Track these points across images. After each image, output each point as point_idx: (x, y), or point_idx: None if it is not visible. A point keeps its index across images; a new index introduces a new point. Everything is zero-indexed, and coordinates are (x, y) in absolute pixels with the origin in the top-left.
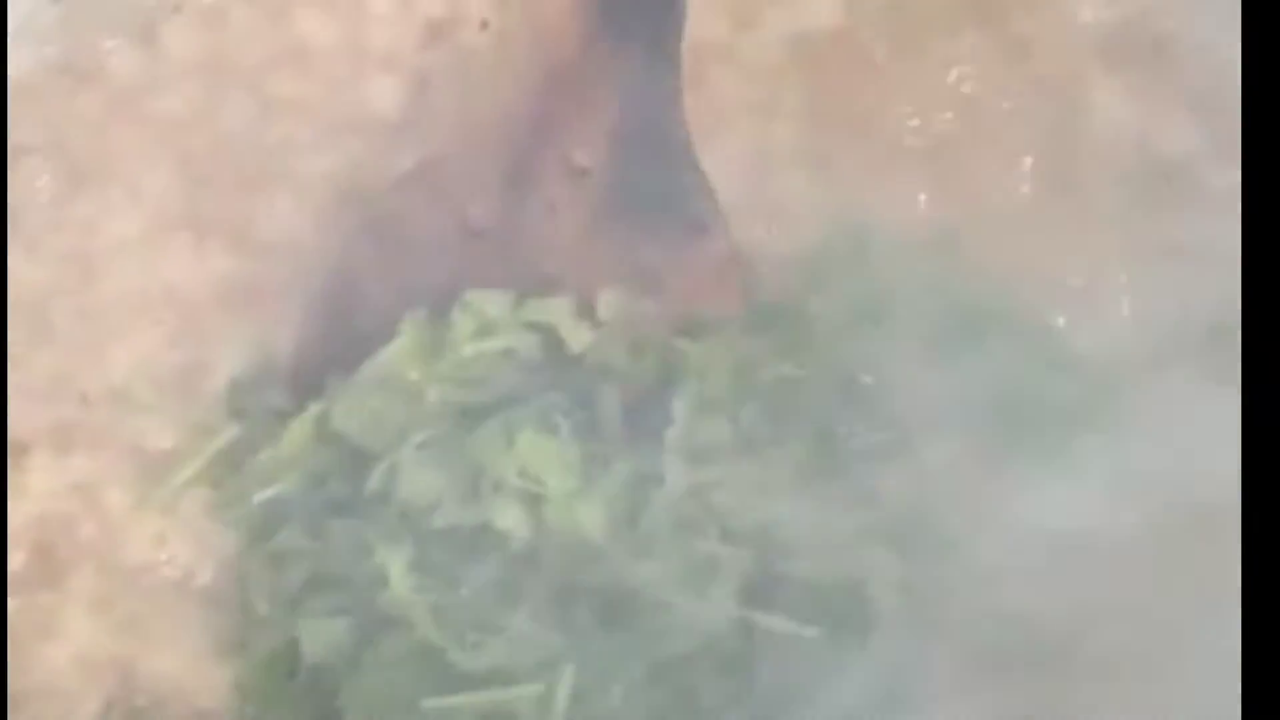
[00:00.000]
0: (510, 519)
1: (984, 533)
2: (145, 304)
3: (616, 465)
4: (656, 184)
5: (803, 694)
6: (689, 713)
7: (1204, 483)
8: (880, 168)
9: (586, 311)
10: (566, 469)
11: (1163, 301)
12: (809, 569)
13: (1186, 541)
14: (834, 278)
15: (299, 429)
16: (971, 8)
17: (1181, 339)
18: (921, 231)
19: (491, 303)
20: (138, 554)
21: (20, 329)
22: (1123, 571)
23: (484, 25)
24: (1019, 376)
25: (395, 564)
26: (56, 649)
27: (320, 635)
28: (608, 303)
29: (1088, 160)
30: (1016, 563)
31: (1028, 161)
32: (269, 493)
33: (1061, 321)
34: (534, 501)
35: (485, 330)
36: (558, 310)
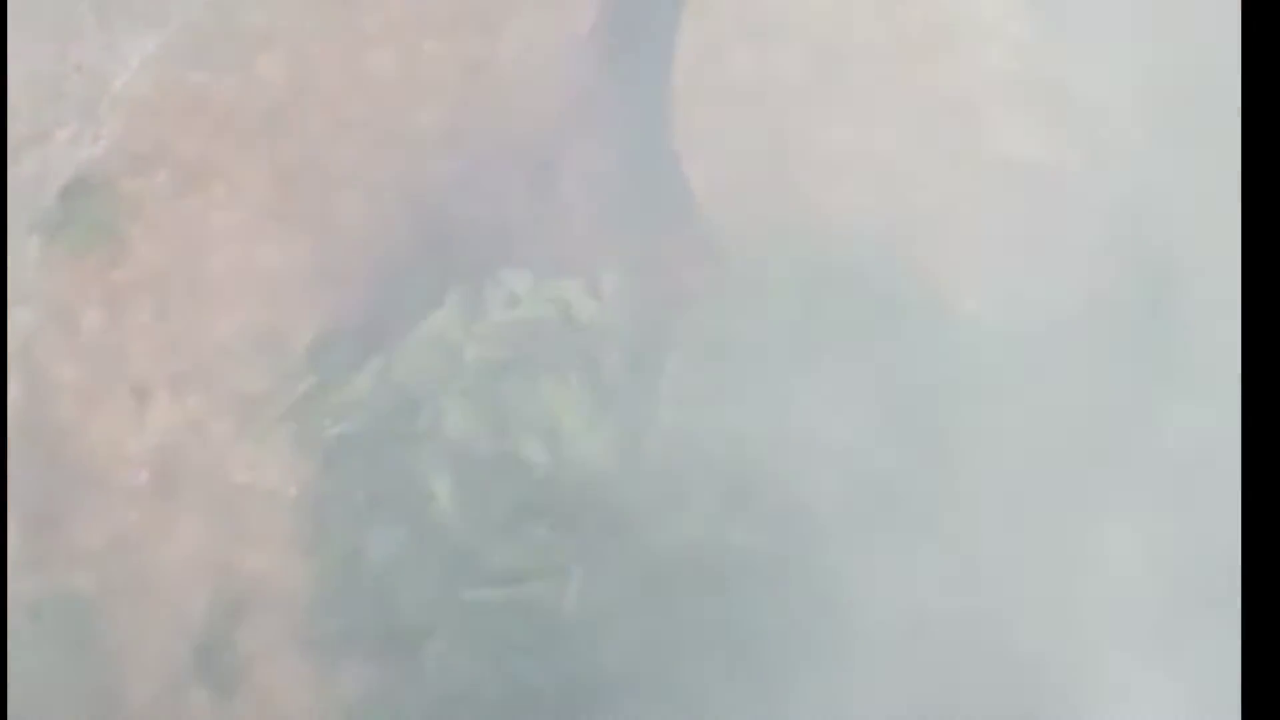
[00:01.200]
0: (533, 450)
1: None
2: (243, 279)
3: (617, 409)
4: (651, 185)
5: (763, 592)
6: (675, 604)
7: None
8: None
9: (593, 289)
10: (578, 411)
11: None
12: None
13: None
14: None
15: (364, 378)
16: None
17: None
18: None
19: (518, 280)
20: (237, 475)
21: (144, 299)
22: None
23: (514, 64)
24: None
25: (441, 485)
26: (172, 550)
27: (381, 541)
28: (609, 282)
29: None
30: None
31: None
32: (340, 428)
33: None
34: (552, 436)
35: (513, 302)
36: (570, 288)
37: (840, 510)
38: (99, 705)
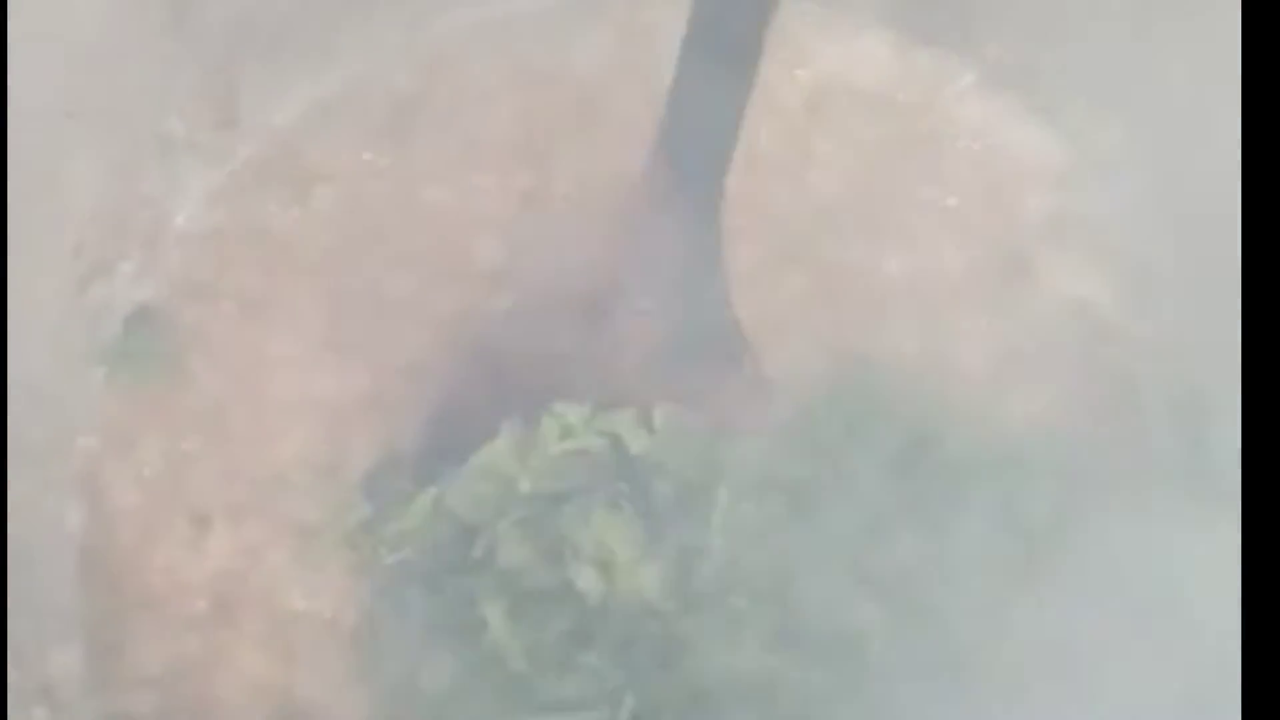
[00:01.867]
0: (586, 580)
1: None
2: (301, 409)
3: (669, 539)
4: (701, 323)
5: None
6: None
7: None
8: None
9: (645, 421)
10: (631, 541)
11: None
12: (818, 623)
13: None
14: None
15: (419, 506)
16: None
17: None
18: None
19: (572, 413)
20: (295, 602)
21: (205, 426)
22: None
23: (567, 200)
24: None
25: (494, 613)
26: (230, 676)
27: (435, 669)
28: (661, 415)
29: None
30: None
31: None
32: (396, 557)
33: None
34: (605, 566)
35: (567, 433)
36: (622, 421)
37: (888, 641)
38: None
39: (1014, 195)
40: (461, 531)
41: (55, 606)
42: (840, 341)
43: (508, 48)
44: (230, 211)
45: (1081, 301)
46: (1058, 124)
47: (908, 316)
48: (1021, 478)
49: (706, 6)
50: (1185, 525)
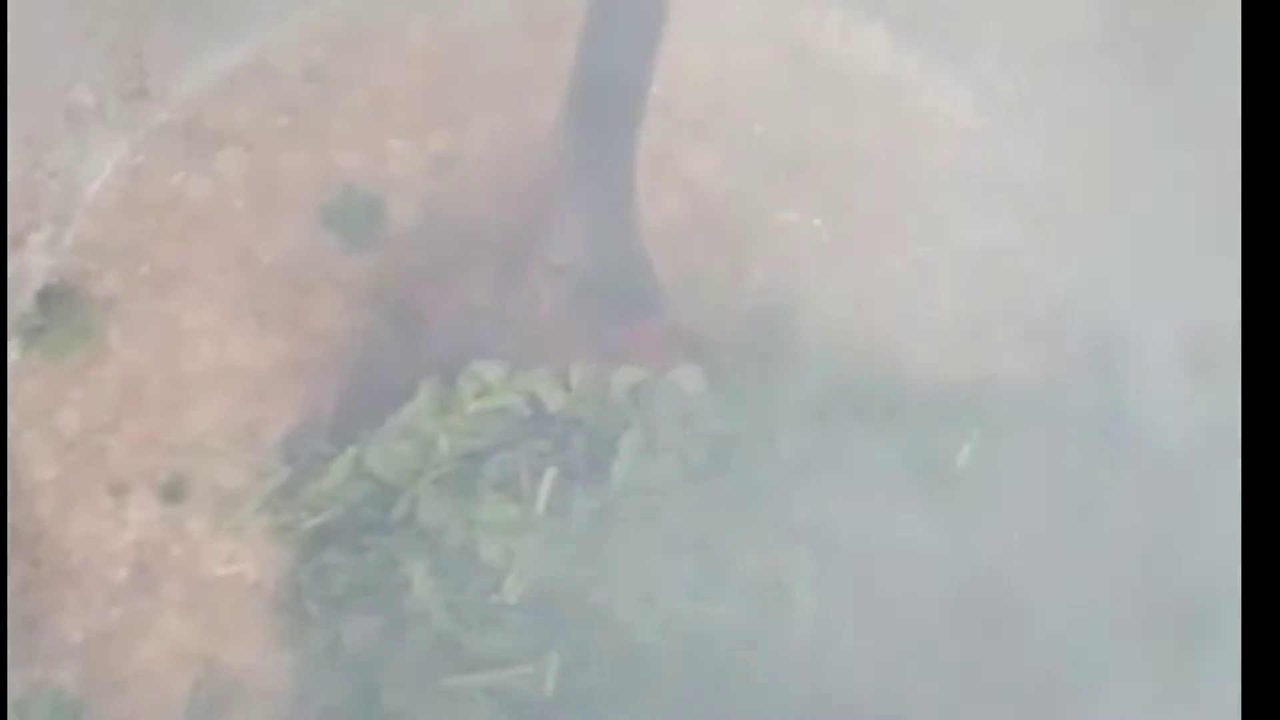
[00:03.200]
0: (489, 553)
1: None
2: (219, 376)
3: (578, 500)
4: (616, 277)
5: (738, 662)
6: (649, 686)
7: None
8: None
9: (562, 379)
10: (526, 526)
11: None
12: (742, 570)
13: None
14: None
15: (338, 468)
16: None
17: None
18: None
19: (490, 372)
20: (216, 568)
21: (122, 396)
22: None
23: (479, 161)
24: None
25: (417, 572)
26: (153, 644)
27: (359, 630)
28: (577, 372)
29: None
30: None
31: None
32: (317, 520)
33: None
34: (514, 531)
35: (484, 392)
36: (539, 379)
37: (812, 584)
38: None
39: (924, 143)
40: (382, 492)
41: None
42: (755, 292)
43: (419, 12)
44: (141, 181)
45: (992, 247)
46: (965, 71)
47: (821, 266)
48: (937, 421)
49: None
50: (1096, 462)
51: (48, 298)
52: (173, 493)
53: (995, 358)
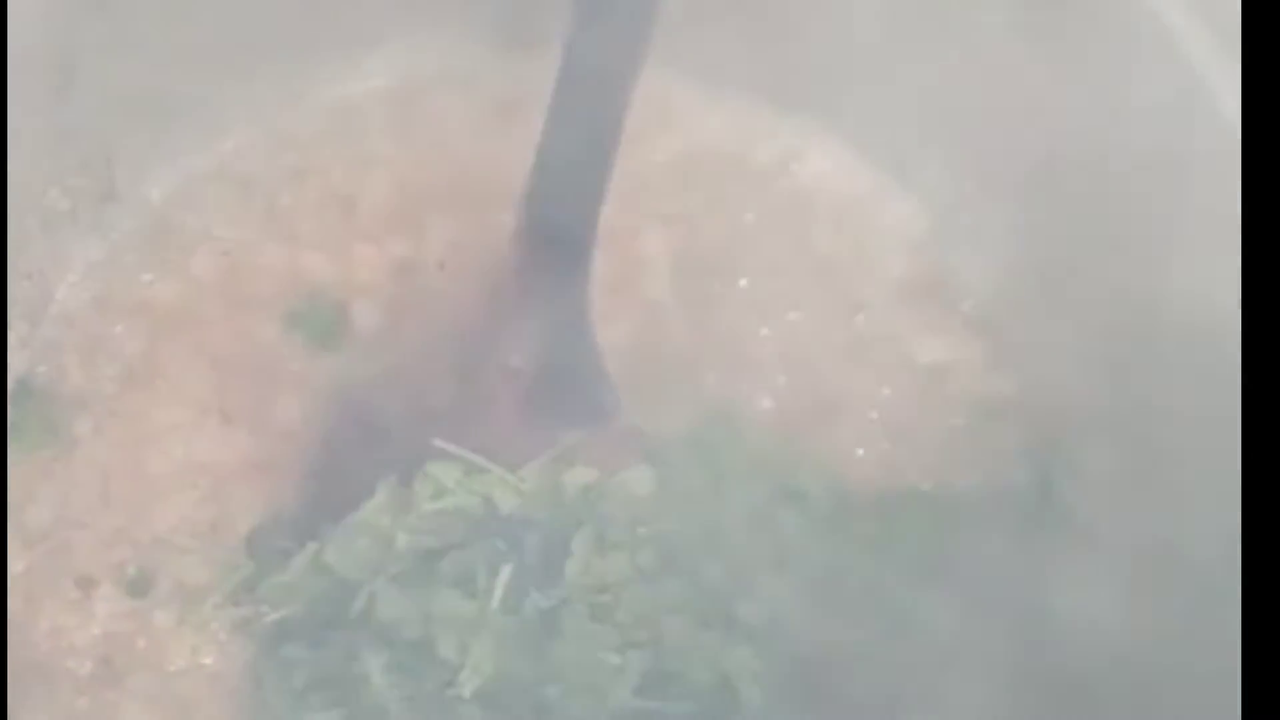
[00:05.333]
0: (446, 648)
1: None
2: (184, 473)
3: (531, 598)
4: (571, 380)
5: None
6: None
7: None
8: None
9: (514, 480)
10: (481, 622)
11: None
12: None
13: None
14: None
15: (298, 564)
16: None
17: None
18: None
19: (445, 473)
20: (180, 661)
21: (90, 492)
22: None
23: (441, 266)
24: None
25: (375, 666)
26: None
27: None
28: (530, 474)
29: None
30: None
31: None
32: (278, 614)
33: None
34: (470, 626)
35: (440, 494)
36: (492, 480)
37: (759, 683)
38: None
39: (875, 258)
40: (341, 587)
41: None
42: (709, 398)
43: (383, 117)
44: (111, 283)
45: (943, 363)
46: (915, 186)
47: (774, 375)
48: (885, 527)
49: (571, 73)
50: (1042, 556)
51: (18, 395)
52: (139, 587)
53: (941, 468)
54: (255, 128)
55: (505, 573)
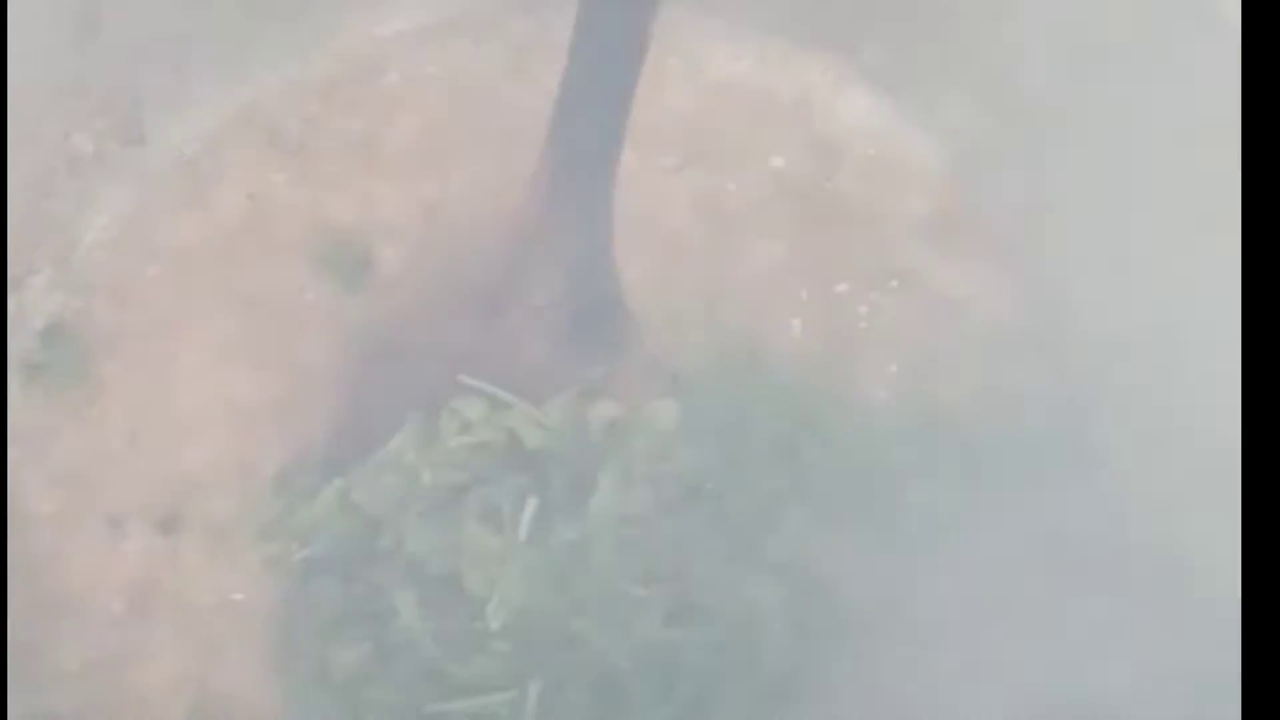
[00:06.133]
0: (472, 583)
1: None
2: (213, 413)
3: (557, 532)
4: (594, 316)
5: (712, 689)
6: (625, 711)
7: None
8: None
9: (539, 416)
10: (508, 556)
11: None
12: (716, 600)
13: None
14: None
15: (326, 500)
16: None
17: None
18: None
19: (471, 409)
20: (210, 598)
21: (119, 432)
22: None
23: (465, 206)
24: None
25: (403, 601)
26: (149, 672)
27: (347, 657)
28: (555, 409)
29: None
30: None
31: None
32: (306, 551)
33: None
34: (496, 560)
35: (466, 429)
36: (517, 416)
37: (784, 614)
38: None
39: (896, 194)
40: (368, 523)
41: None
42: (731, 334)
43: (405, 61)
44: (139, 225)
45: (963, 299)
46: (935, 123)
47: (795, 311)
48: (907, 463)
49: (591, 13)
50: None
51: (48, 337)
52: (168, 525)
53: (958, 395)
54: (279, 72)
55: (531, 507)
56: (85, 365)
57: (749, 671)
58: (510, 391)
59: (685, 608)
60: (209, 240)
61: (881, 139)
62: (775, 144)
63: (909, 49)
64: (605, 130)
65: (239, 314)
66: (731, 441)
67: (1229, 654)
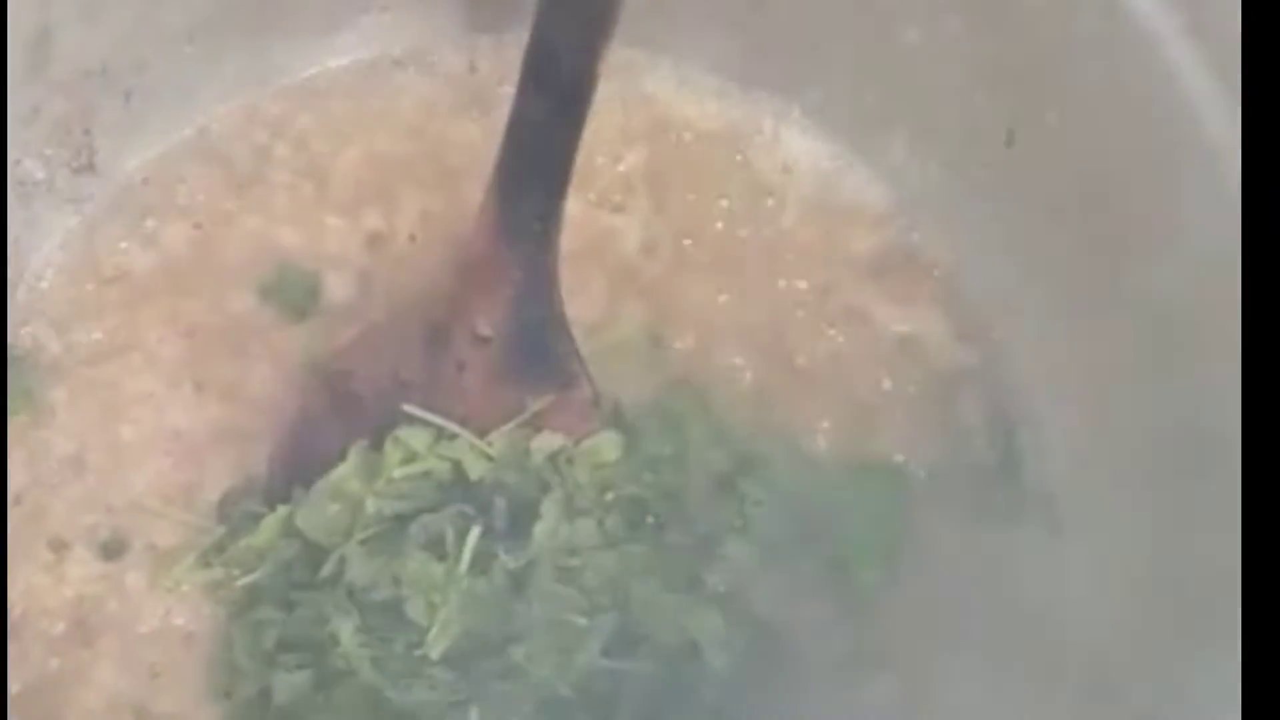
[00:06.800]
0: (414, 610)
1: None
2: (157, 440)
3: (499, 561)
4: (539, 348)
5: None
6: None
7: None
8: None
9: (483, 446)
10: (450, 584)
11: None
12: (656, 630)
13: None
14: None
15: (269, 526)
16: None
17: None
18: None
19: (415, 438)
20: (152, 622)
21: (64, 457)
22: None
23: (411, 238)
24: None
25: (344, 629)
26: (90, 695)
27: (288, 684)
28: (499, 440)
29: None
30: None
31: None
32: (249, 577)
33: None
34: (438, 588)
35: (410, 458)
36: (461, 446)
37: (724, 646)
38: None
39: (840, 234)
40: (311, 551)
41: None
42: (675, 369)
43: (355, 93)
44: (87, 252)
45: (905, 338)
46: (879, 163)
47: (739, 348)
48: (847, 497)
49: (540, 47)
50: (1002, 528)
51: None
52: (111, 550)
53: (900, 434)
54: (229, 102)
55: (474, 535)
56: (31, 391)
57: (688, 702)
58: (454, 421)
59: (626, 638)
60: (157, 268)
61: (826, 179)
62: (721, 183)
63: (853, 90)
64: (552, 166)
65: (185, 341)
66: (673, 475)
67: None
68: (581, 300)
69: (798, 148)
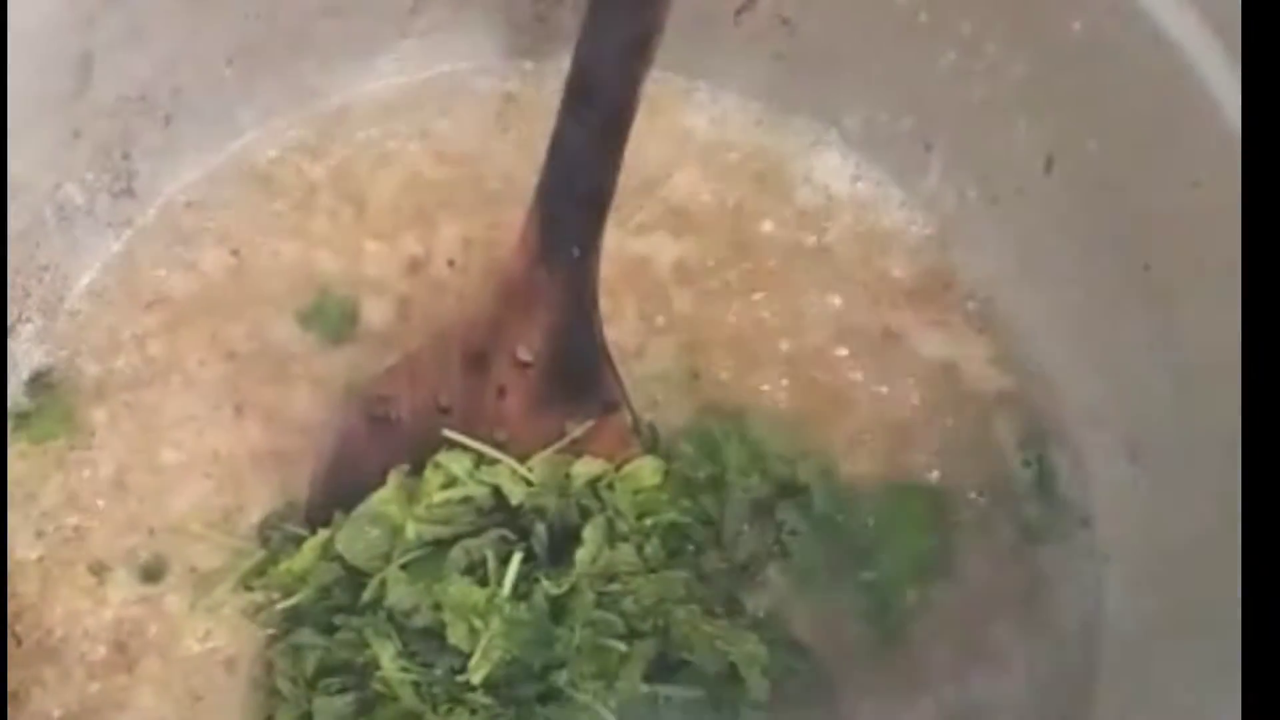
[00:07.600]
0: (456, 635)
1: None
2: (198, 463)
3: (540, 587)
4: (578, 373)
5: None
6: None
7: None
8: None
9: (524, 472)
10: (491, 609)
11: None
12: (697, 655)
13: None
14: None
15: (310, 550)
16: None
17: None
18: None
19: (455, 463)
20: (192, 646)
21: (104, 480)
22: None
23: (450, 263)
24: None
25: (385, 653)
26: (130, 718)
27: (329, 709)
28: (539, 466)
29: None
30: None
31: None
32: (289, 600)
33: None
34: (472, 627)
35: (450, 483)
36: (501, 472)
37: (763, 670)
38: None
39: (878, 259)
40: (352, 575)
41: None
42: (714, 393)
43: (393, 118)
44: (127, 276)
45: (943, 362)
46: (917, 189)
47: (778, 373)
48: (884, 521)
49: (581, 74)
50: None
51: (35, 385)
52: (151, 573)
53: (937, 458)
54: (267, 127)
55: (515, 561)
56: (72, 414)
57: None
58: (494, 446)
59: (666, 663)
60: (196, 291)
61: (864, 204)
62: (761, 208)
63: (891, 115)
64: (592, 192)
65: (225, 365)
66: (712, 500)
67: None
68: (618, 326)
69: (836, 173)
